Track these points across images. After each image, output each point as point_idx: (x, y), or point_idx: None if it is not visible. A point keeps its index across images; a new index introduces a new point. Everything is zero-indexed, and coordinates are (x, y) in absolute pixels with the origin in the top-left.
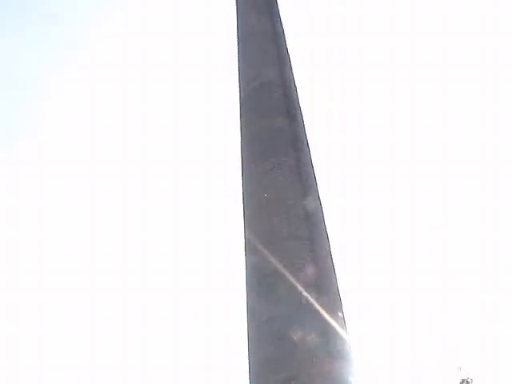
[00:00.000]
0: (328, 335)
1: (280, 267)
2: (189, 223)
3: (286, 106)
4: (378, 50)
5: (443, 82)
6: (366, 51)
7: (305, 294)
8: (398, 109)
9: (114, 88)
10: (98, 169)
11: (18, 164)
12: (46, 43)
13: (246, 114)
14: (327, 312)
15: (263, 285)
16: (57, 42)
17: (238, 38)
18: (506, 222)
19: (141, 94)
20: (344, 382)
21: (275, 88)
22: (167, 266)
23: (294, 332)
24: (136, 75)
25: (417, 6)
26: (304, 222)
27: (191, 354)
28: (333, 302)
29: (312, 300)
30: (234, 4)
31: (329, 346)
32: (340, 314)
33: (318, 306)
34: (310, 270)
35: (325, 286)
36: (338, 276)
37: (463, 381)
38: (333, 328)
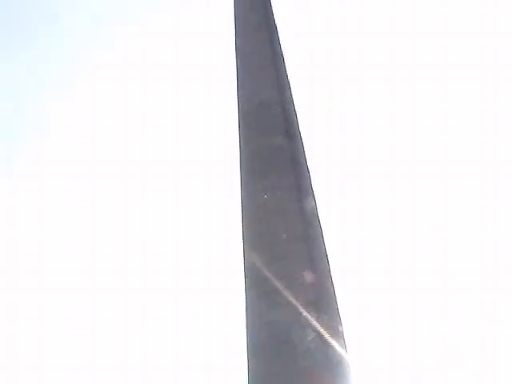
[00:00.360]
0: (326, 344)
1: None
2: (189, 223)
3: (284, 125)
4: (378, 49)
5: (443, 82)
6: (366, 51)
7: (304, 314)
8: (398, 109)
9: (114, 88)
10: (98, 169)
11: (18, 164)
12: (47, 43)
13: (244, 131)
14: (327, 326)
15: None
16: (57, 42)
17: (236, 54)
18: (506, 222)
19: (141, 94)
20: None
21: (274, 107)
22: (167, 266)
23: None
24: (136, 75)
25: (417, 6)
26: (303, 241)
27: (191, 354)
28: (332, 318)
29: (312, 318)
30: (233, 22)
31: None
32: (340, 328)
33: (317, 324)
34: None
35: (324, 300)
36: (336, 286)
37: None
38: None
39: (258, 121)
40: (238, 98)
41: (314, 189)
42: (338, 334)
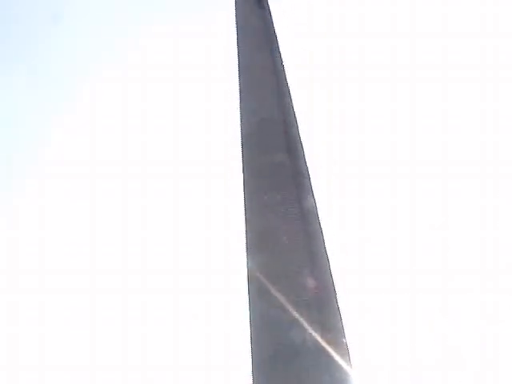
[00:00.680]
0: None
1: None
2: (189, 223)
3: (286, 142)
4: (378, 49)
5: (443, 82)
6: (366, 51)
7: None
8: (398, 109)
9: (114, 88)
10: (98, 169)
11: (18, 164)
12: (47, 43)
13: (247, 148)
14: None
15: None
16: (57, 42)
17: (238, 71)
18: (506, 222)
19: (141, 94)
20: None
21: (276, 124)
22: (167, 266)
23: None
24: (136, 75)
25: (417, 6)
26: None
27: (191, 354)
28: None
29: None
30: (235, 38)
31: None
32: (341, 328)
33: (322, 343)
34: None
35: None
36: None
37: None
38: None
39: (259, 138)
40: (240, 115)
41: (317, 205)
42: (338, 334)
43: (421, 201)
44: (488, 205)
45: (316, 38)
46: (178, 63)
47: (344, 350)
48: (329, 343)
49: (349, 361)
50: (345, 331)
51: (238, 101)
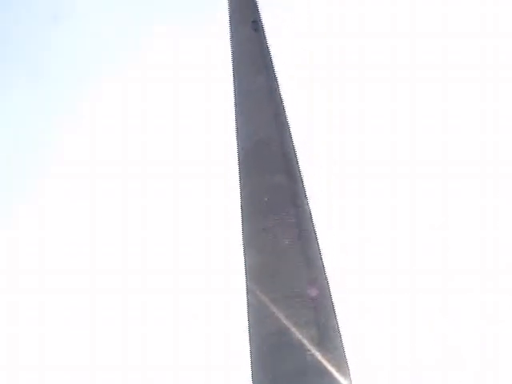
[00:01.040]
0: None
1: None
2: (189, 223)
3: (284, 164)
4: (378, 50)
5: (443, 82)
6: (366, 51)
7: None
8: (398, 109)
9: (114, 88)
10: (98, 169)
11: (18, 163)
12: (47, 43)
13: (244, 170)
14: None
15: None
16: (57, 43)
17: (234, 93)
18: (506, 222)
19: (141, 94)
20: None
21: (273, 146)
22: (167, 266)
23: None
24: (136, 75)
25: (417, 6)
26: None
27: (191, 354)
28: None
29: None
30: (231, 62)
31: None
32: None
33: (323, 361)
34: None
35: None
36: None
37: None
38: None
39: (256, 160)
40: (237, 137)
41: (315, 227)
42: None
43: (421, 201)
44: (488, 205)
45: (316, 38)
46: (178, 63)
47: (340, 349)
48: (324, 341)
49: (344, 357)
50: (340, 330)
51: (235, 123)
